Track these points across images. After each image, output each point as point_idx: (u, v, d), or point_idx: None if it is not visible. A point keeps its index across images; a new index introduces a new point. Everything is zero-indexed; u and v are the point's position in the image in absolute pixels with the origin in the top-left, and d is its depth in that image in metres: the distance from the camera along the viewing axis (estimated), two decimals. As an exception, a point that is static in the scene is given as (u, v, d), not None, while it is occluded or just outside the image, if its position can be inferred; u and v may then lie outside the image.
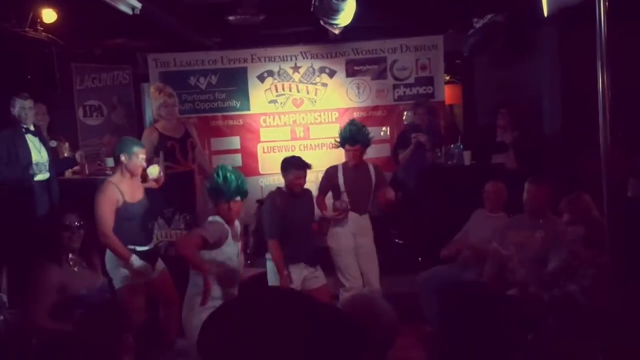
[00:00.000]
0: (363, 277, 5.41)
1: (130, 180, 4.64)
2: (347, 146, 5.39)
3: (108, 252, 4.53)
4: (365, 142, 5.44)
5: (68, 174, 5.92)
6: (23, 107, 5.39)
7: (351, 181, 5.42)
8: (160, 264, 4.84)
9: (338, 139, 5.51)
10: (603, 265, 3.61)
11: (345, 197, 5.35)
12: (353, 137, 5.37)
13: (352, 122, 5.59)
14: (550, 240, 4.44)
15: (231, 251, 4.18)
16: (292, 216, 4.96)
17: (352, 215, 5.39)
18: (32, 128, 5.50)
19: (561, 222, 4.16)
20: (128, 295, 4.52)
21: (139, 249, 4.57)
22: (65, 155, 6.08)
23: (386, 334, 2.50)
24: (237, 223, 4.34)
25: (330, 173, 5.51)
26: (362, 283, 5.37)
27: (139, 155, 4.61)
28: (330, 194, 5.56)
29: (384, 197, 5.47)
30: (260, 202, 5.25)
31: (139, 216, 4.66)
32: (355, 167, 5.44)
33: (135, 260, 4.48)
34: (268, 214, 4.99)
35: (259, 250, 5.23)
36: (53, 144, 5.99)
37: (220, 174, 4.16)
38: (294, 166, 4.99)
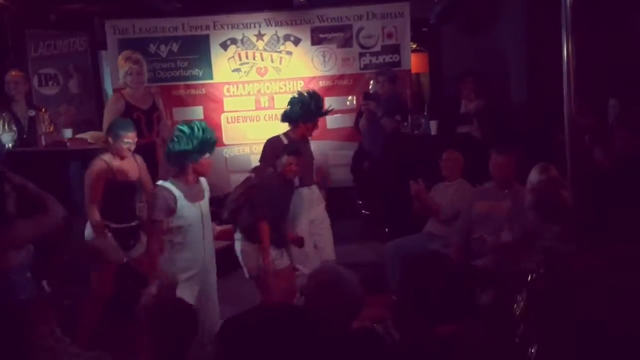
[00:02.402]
0: (317, 248, 5.30)
1: (121, 160, 4.65)
2: (313, 120, 5.18)
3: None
4: (312, 118, 5.23)
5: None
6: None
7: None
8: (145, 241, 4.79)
9: (292, 114, 5.19)
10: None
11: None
12: (320, 109, 5.23)
13: (314, 94, 5.31)
14: (516, 210, 4.46)
15: (192, 214, 4.06)
16: (280, 201, 4.84)
17: (302, 191, 5.22)
18: None
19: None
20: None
21: (121, 225, 4.63)
22: (44, 125, 5.91)
23: (350, 303, 2.56)
24: (202, 180, 4.22)
25: (277, 146, 5.12)
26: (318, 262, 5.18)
27: (124, 140, 4.60)
28: None
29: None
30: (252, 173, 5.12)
31: (127, 194, 4.69)
32: (300, 141, 5.20)
33: (111, 241, 4.52)
34: (265, 194, 4.75)
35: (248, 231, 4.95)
36: (31, 113, 5.86)
37: (184, 131, 3.96)
38: (287, 152, 4.84)
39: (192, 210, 4.07)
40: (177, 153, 4.00)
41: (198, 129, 3.97)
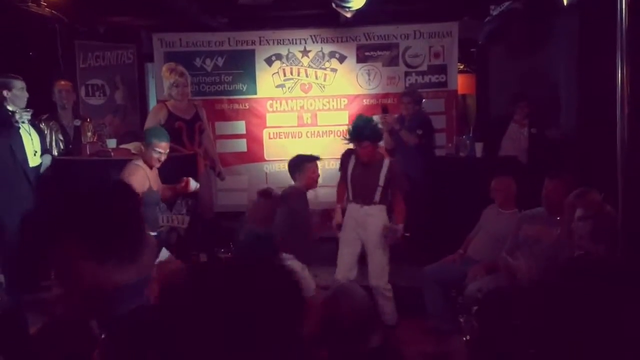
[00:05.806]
0: (369, 269, 5.20)
1: (149, 169, 4.67)
2: (355, 144, 5.03)
3: None
4: (374, 138, 5.05)
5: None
6: (22, 88, 5.24)
7: (358, 174, 5.13)
8: (164, 252, 4.75)
9: (347, 137, 5.13)
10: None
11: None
12: (359, 133, 4.99)
13: (358, 117, 5.24)
14: (565, 237, 4.29)
15: None
16: (301, 213, 4.77)
17: (352, 206, 5.15)
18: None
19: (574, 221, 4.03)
20: None
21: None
22: (89, 134, 6.01)
23: (354, 321, 2.50)
24: None
25: (344, 157, 5.22)
26: (352, 275, 5.08)
27: (155, 148, 4.59)
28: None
29: (397, 207, 5.25)
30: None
31: (153, 203, 4.70)
32: (367, 162, 5.09)
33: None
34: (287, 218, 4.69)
35: None
36: (77, 122, 5.99)
37: None
38: (308, 160, 4.89)
39: None
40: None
41: None
